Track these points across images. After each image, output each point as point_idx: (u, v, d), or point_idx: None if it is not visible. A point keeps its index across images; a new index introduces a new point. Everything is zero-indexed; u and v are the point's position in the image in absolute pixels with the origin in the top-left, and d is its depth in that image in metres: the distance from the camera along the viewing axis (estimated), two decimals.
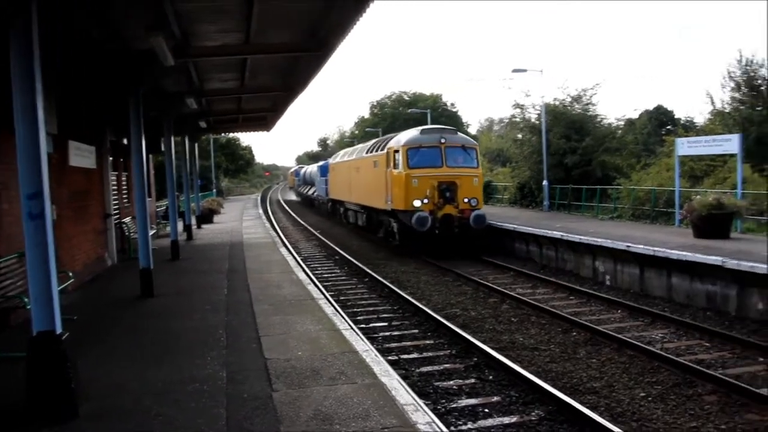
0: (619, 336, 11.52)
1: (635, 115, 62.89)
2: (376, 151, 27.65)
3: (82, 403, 6.60)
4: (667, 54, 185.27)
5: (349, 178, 33.96)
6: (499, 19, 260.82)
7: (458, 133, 25.94)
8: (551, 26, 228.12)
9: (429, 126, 28.38)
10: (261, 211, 46.58)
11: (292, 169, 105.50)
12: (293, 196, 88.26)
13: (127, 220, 20.40)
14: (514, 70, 32.73)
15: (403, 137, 24.71)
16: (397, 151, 24.20)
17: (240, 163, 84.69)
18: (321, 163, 55.18)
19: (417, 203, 22.83)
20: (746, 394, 8.56)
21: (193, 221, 29.24)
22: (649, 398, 8.85)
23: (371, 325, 13.35)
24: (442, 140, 23.73)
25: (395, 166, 24.24)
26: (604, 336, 11.69)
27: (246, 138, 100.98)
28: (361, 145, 35.83)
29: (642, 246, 16.31)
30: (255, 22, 11.46)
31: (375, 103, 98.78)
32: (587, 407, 8.23)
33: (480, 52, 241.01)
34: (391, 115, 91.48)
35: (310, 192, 60.72)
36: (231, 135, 68.16)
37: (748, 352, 10.81)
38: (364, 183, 29.76)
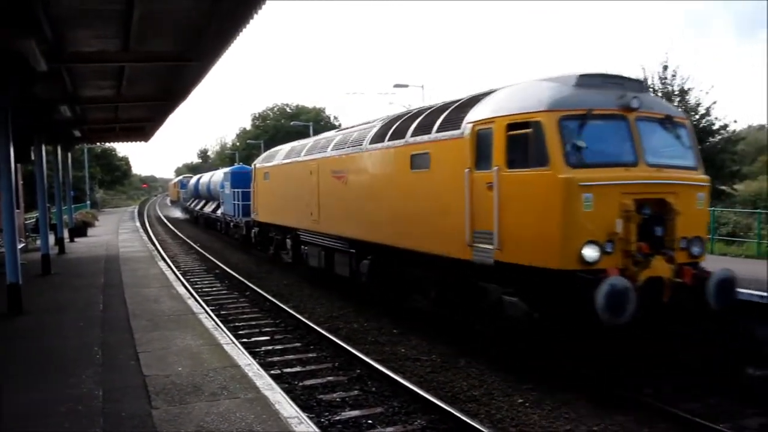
0: None
1: None
2: (430, 131, 12.84)
3: None
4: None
5: (327, 190, 18.12)
6: (377, 35, 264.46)
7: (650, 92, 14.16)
8: (432, 42, 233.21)
9: (592, 73, 10.96)
10: (138, 224, 45.08)
11: (175, 180, 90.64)
12: (177, 212, 72.93)
13: None
14: (396, 85, 33.36)
15: (541, 90, 10.69)
16: (524, 125, 10.21)
17: (116, 174, 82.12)
18: (232, 168, 38.45)
19: (591, 252, 9.42)
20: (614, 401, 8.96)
21: (66, 234, 27.99)
22: (527, 404, 9.16)
23: (253, 339, 13.18)
24: (633, 103, 10.32)
25: (519, 160, 10.29)
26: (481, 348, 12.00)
27: (123, 148, 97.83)
28: (354, 127, 18.44)
29: None
30: (134, 30, 11.19)
31: (257, 115, 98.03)
32: (467, 415, 8.44)
33: (360, 67, 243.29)
34: (273, 127, 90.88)
35: (208, 209, 45.20)
36: (107, 145, 65.85)
37: None
38: (386, 199, 14.54)
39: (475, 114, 11.36)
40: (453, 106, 12.49)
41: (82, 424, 6.51)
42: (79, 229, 32.70)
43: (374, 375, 10.50)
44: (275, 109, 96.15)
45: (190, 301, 13.41)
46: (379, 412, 8.91)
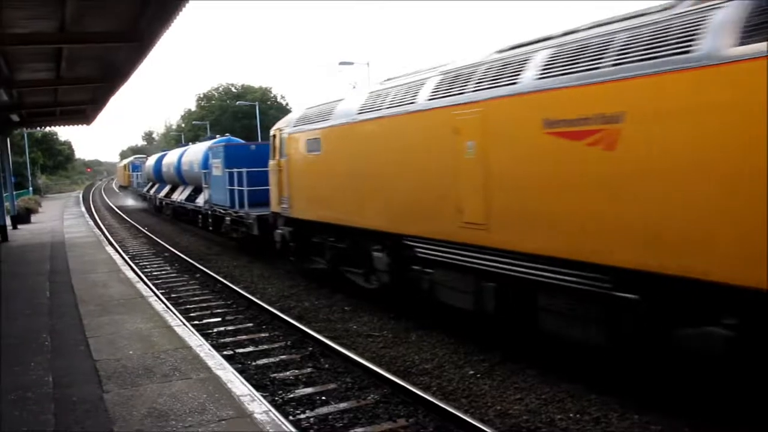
0: None
1: None
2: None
3: None
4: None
5: (522, 165, 8.73)
6: (323, 13, 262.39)
7: None
8: (376, 20, 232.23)
9: None
10: (84, 209, 44.23)
11: (124, 162, 77.71)
12: (129, 200, 62.08)
13: None
14: (341, 63, 33.24)
15: None
16: None
17: (59, 159, 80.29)
18: (221, 140, 29.44)
19: None
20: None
21: (8, 221, 27.36)
22: (478, 375, 9.34)
23: (205, 321, 13.13)
24: None
25: None
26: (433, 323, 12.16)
27: (65, 132, 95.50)
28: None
29: None
30: (70, 10, 10.95)
31: (202, 96, 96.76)
32: (419, 388, 8.58)
33: (305, 45, 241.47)
34: (219, 108, 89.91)
35: (180, 197, 34.12)
36: (48, 129, 64.32)
37: None
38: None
39: None
40: None
41: (33, 410, 6.47)
42: (22, 216, 32.05)
43: (327, 352, 10.58)
44: (220, 89, 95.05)
45: (139, 285, 13.34)
46: (332, 388, 8.99)
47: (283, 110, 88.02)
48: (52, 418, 6.27)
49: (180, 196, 34.44)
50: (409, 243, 11.36)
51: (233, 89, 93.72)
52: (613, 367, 8.54)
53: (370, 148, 12.49)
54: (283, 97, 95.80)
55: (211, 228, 27.05)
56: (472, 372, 9.49)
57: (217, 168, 24.74)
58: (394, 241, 11.84)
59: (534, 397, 8.40)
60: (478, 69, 9.84)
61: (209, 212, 26.82)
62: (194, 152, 31.58)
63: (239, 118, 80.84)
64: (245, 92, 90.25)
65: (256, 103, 68.93)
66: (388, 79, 13.07)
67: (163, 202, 39.93)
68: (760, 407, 6.71)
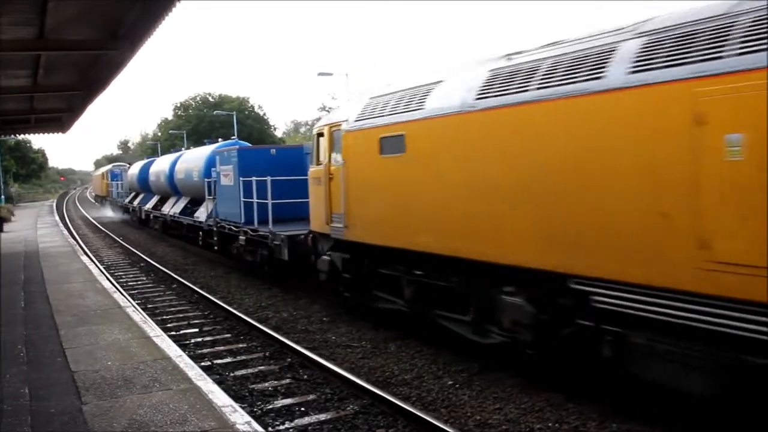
0: None
1: None
2: None
3: None
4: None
5: None
6: (301, 23, 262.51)
7: None
8: (354, 30, 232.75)
9: None
10: (58, 218, 43.78)
11: (101, 171, 72.06)
12: (108, 211, 57.23)
13: None
14: (320, 74, 33.16)
15: None
16: None
17: (32, 168, 79.32)
18: (229, 143, 24.61)
19: None
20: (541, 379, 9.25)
21: None
22: (457, 385, 9.38)
23: (182, 331, 13.06)
24: None
25: None
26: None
27: (38, 140, 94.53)
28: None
29: None
30: (50, 17, 10.89)
31: (179, 105, 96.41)
32: (399, 398, 8.60)
33: (284, 55, 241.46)
34: (195, 117, 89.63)
35: (172, 210, 29.37)
36: (22, 137, 63.58)
37: None
38: None
39: None
40: None
41: (10, 423, 6.40)
42: None
43: (306, 363, 10.56)
44: (197, 98, 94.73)
45: (116, 295, 13.25)
46: (311, 399, 8.98)
47: (260, 120, 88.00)
48: (29, 430, 6.21)
49: (173, 208, 29.54)
50: (580, 287, 7.76)
51: (210, 99, 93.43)
52: (594, 378, 8.62)
53: (504, 145, 8.66)
54: (260, 107, 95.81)
55: (216, 248, 22.33)
56: (451, 382, 9.53)
57: (227, 176, 20.44)
58: (549, 282, 8.22)
59: (513, 407, 8.45)
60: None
61: (214, 229, 22.01)
62: (192, 158, 27.17)
63: (216, 128, 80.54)
64: (222, 102, 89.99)
65: (234, 112, 68.72)
66: (507, 56, 9.43)
67: (151, 215, 34.89)
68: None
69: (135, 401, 6.84)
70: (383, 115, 11.47)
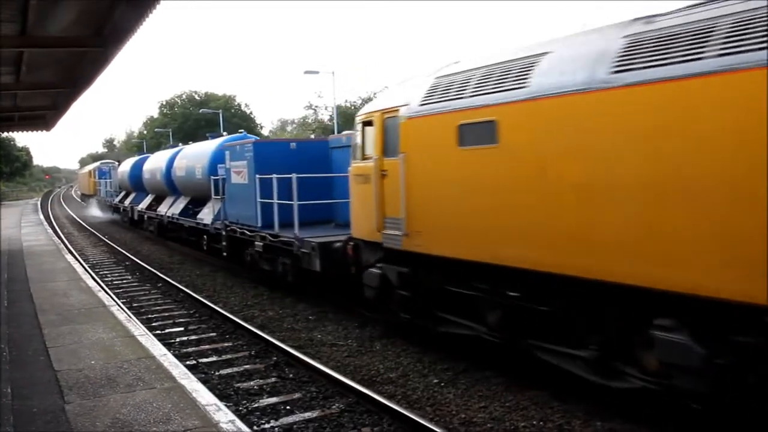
0: None
1: None
2: None
3: None
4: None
5: None
6: (287, 22, 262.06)
7: None
8: (340, 29, 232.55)
9: None
10: (42, 216, 43.49)
11: (88, 168, 68.90)
12: (95, 210, 53.84)
13: None
14: (306, 72, 33.11)
15: None
16: None
17: (16, 166, 78.81)
18: (234, 136, 23.78)
19: None
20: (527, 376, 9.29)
21: None
22: (442, 384, 9.39)
23: (167, 330, 13.00)
24: None
25: None
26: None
27: (22, 138, 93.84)
28: None
29: None
30: (33, 13, 10.79)
31: (164, 103, 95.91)
32: (385, 397, 8.60)
33: (270, 54, 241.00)
34: (181, 115, 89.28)
35: (170, 211, 27.06)
36: (5, 135, 63.11)
37: None
38: None
39: None
40: None
41: None
42: None
43: (291, 362, 10.54)
44: (183, 96, 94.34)
45: (101, 294, 13.17)
46: (297, 398, 8.96)
47: (246, 118, 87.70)
48: (12, 430, 6.17)
49: (171, 209, 27.19)
50: None
51: (196, 96, 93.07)
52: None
53: (655, 131, 6.71)
54: (247, 106, 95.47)
55: (225, 254, 19.85)
56: (436, 381, 9.53)
57: (239, 173, 18.28)
58: (731, 315, 6.21)
59: (498, 405, 8.47)
60: None
61: (223, 233, 19.61)
62: (194, 154, 24.84)
63: (202, 126, 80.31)
64: (208, 100, 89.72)
65: (220, 110, 68.55)
66: (646, 19, 7.45)
67: (145, 216, 32.23)
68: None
69: (118, 400, 6.80)
70: (462, 96, 9.21)
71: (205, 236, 22.40)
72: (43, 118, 26.54)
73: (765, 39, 5.78)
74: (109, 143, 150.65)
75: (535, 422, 7.85)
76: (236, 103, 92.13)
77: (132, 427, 6.05)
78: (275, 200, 15.55)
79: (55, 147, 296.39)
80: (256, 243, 16.81)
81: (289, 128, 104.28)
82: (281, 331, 12.79)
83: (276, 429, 7.92)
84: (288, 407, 8.63)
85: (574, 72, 7.60)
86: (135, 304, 15.62)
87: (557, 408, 8.18)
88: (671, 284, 6.52)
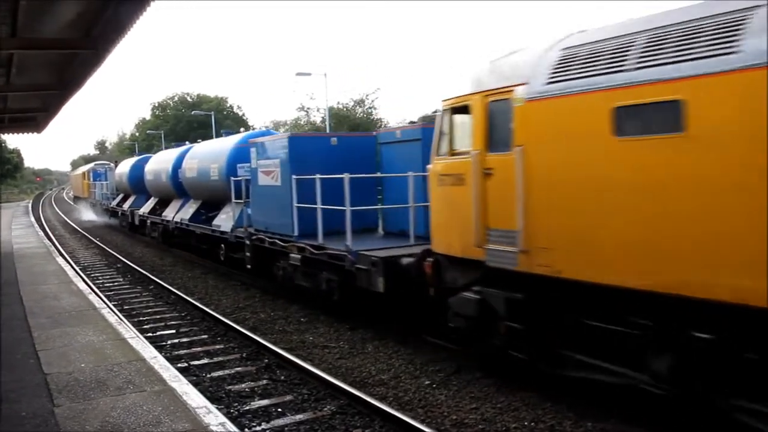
0: None
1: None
2: None
3: None
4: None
5: None
6: (279, 24, 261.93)
7: None
8: (332, 31, 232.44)
9: None
10: (33, 219, 43.33)
11: (82, 170, 65.58)
12: (90, 214, 50.25)
13: None
14: (298, 74, 33.06)
15: None
16: None
17: (7, 168, 78.54)
18: (256, 132, 22.35)
19: None
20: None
21: None
22: (434, 385, 9.39)
23: (159, 333, 12.97)
24: None
25: None
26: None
27: (13, 140, 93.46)
28: None
29: None
30: (23, 14, 10.75)
31: (157, 105, 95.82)
32: (376, 399, 8.59)
33: (262, 55, 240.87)
34: (173, 117, 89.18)
35: (177, 217, 24.42)
36: None
37: None
38: None
39: None
40: None
41: None
42: None
43: (283, 364, 10.52)
44: (175, 98, 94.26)
45: (92, 297, 13.12)
46: (288, 400, 8.95)
47: (239, 120, 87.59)
48: None
49: (179, 213, 24.47)
50: None
51: (188, 98, 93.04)
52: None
53: None
54: (239, 107, 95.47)
55: (249, 266, 17.13)
56: (428, 382, 9.53)
57: (269, 174, 15.63)
58: None
59: (489, 406, 8.47)
60: None
61: (247, 242, 16.95)
62: (208, 152, 22.12)
63: (195, 128, 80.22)
64: (201, 101, 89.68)
65: (212, 112, 68.45)
66: None
67: (147, 221, 29.21)
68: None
69: (108, 403, 6.77)
70: (621, 69, 6.94)
71: (222, 245, 19.97)
72: (34, 120, 26.43)
73: None
74: (100, 145, 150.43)
75: (526, 423, 7.85)
76: (228, 105, 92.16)
77: (121, 430, 6.03)
78: (319, 205, 13.13)
79: (46, 149, 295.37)
80: (292, 255, 14.41)
81: (281, 130, 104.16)
82: (273, 333, 12.76)
83: (267, 431, 7.91)
84: (279, 409, 8.61)
85: None
86: (126, 307, 15.57)
87: (549, 409, 8.18)
88: None
